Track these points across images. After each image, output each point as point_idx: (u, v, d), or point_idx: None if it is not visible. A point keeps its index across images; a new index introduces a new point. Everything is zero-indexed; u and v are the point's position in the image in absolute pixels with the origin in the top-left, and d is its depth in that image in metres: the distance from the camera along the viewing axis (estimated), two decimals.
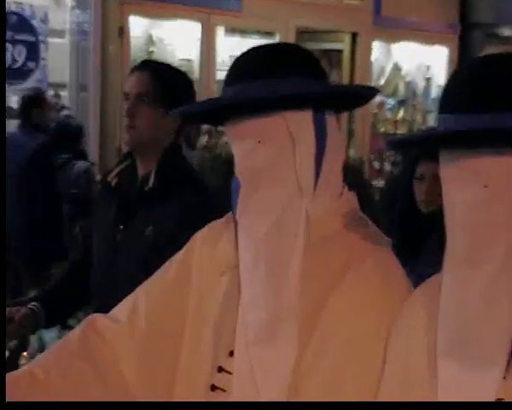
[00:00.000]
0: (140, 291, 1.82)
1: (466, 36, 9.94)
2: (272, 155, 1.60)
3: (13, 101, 7.24)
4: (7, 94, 6.87)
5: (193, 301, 1.75)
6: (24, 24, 7.15)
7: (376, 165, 9.68)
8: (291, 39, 8.87)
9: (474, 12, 10.39)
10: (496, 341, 1.33)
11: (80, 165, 6.31)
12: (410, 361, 1.47)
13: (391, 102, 9.87)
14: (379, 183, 9.21)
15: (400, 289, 1.60)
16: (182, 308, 1.75)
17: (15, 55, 7.11)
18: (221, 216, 1.79)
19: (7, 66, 6.93)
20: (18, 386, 1.69)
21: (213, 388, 1.64)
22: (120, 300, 1.85)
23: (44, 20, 7.22)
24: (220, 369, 1.64)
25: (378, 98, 9.54)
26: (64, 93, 7.50)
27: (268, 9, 8.68)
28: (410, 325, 1.51)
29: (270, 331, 1.58)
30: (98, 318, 1.81)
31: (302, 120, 1.62)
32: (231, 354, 1.63)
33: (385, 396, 1.49)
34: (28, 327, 2.75)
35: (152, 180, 2.61)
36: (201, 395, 1.65)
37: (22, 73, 7.16)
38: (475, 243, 1.36)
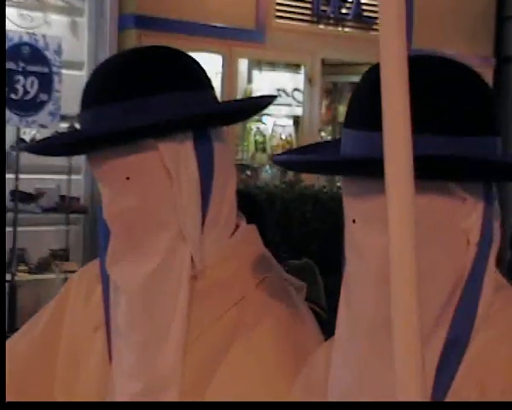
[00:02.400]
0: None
1: (501, 69, 9.84)
2: (145, 195, 1.36)
3: (26, 133, 7.16)
4: (21, 125, 6.91)
5: (62, 363, 1.52)
6: (37, 54, 6.97)
7: None
8: (317, 73, 8.89)
9: (509, 45, 10.37)
10: None
11: None
12: None
13: None
14: None
15: (300, 357, 1.34)
16: (49, 375, 1.52)
17: (28, 87, 6.91)
18: None
19: (18, 98, 6.83)
20: None
21: None
22: None
23: (58, 52, 7.04)
24: None
25: None
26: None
27: (292, 41, 8.64)
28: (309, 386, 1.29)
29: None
30: None
31: (180, 150, 1.36)
32: None
33: None
34: None
35: None
36: None
37: (34, 105, 6.95)
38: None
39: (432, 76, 1.12)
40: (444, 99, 1.11)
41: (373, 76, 1.11)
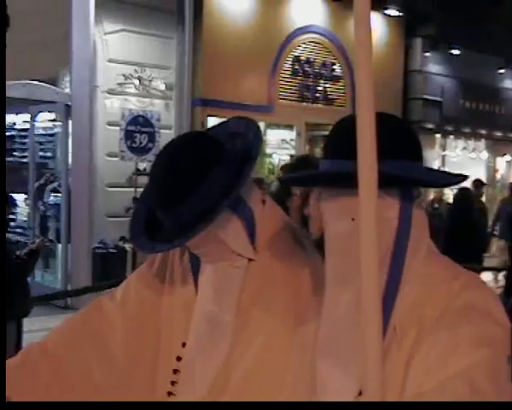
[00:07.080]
0: (133, 276, 1.48)
1: None
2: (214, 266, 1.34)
3: (141, 165, 7.81)
4: (137, 161, 7.50)
5: (166, 294, 1.42)
6: (146, 121, 7.82)
7: None
8: (303, 130, 9.57)
9: (411, 118, 10.91)
10: (355, 348, 1.12)
11: None
12: (306, 363, 1.23)
13: None
14: None
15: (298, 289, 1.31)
16: (159, 300, 1.43)
17: (141, 140, 7.74)
18: None
19: (136, 146, 7.62)
20: (30, 354, 1.39)
21: (174, 371, 1.35)
22: None
23: (158, 120, 7.93)
24: (179, 358, 1.36)
25: None
26: None
27: (289, 112, 9.60)
28: (305, 324, 1.28)
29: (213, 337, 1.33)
30: (103, 298, 1.48)
31: (233, 228, 1.30)
32: (184, 345, 1.36)
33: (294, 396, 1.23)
34: None
35: None
36: (166, 380, 1.35)
37: (145, 150, 7.77)
38: (343, 268, 1.16)
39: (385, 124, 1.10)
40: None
41: (339, 130, 1.19)
